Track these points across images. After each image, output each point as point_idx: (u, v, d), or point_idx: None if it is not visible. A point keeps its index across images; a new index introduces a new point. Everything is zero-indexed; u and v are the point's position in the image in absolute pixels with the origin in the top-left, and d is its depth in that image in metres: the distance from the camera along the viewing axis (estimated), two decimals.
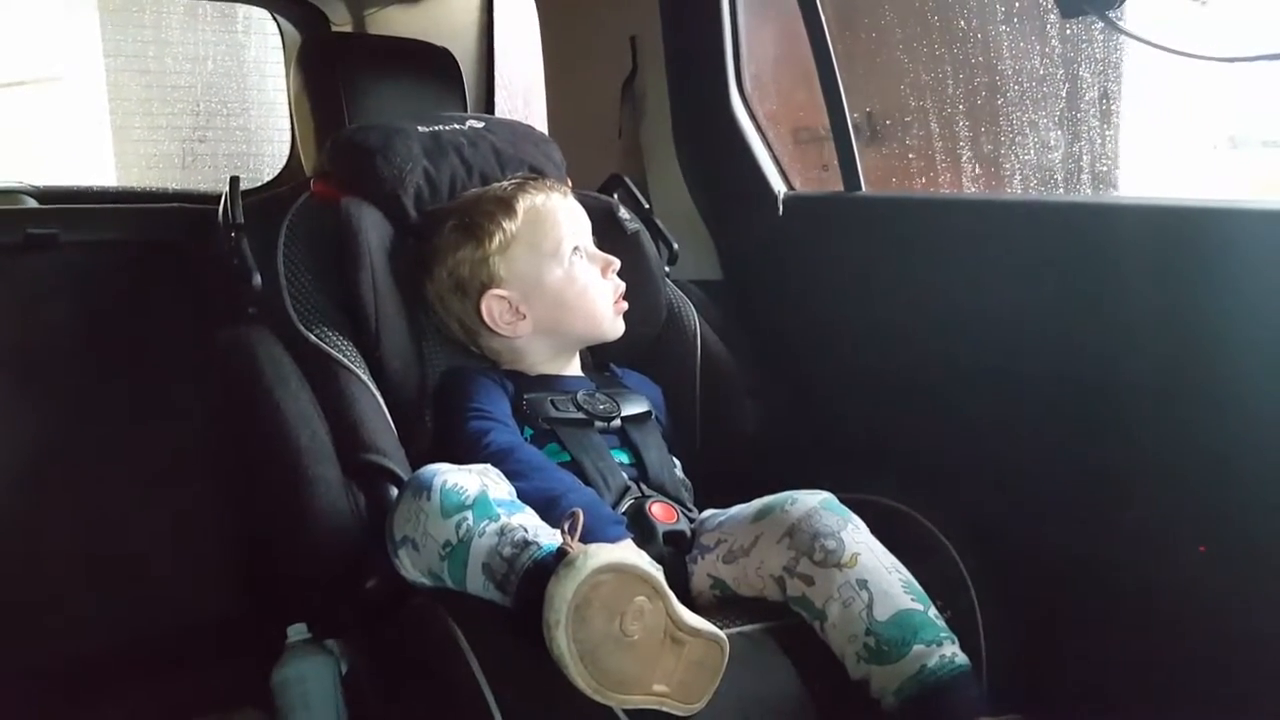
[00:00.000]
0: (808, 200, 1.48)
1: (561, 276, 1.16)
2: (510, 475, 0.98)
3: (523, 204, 1.17)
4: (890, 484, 1.10)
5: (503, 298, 1.16)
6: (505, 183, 1.21)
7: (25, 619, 1.39)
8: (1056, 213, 1.24)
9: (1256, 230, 1.02)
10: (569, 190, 1.23)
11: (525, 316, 1.16)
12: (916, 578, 0.96)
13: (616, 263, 1.19)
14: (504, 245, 1.16)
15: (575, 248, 1.17)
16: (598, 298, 1.18)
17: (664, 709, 0.83)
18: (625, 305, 1.20)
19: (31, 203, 1.67)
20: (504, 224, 1.16)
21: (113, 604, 1.44)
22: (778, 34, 1.55)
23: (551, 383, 1.18)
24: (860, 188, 1.41)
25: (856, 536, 0.97)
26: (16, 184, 1.73)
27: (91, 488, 1.45)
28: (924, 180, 1.75)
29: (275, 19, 2.09)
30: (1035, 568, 1.13)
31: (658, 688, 0.82)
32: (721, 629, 0.87)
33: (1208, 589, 1.04)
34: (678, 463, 1.19)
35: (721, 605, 1.01)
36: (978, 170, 1.74)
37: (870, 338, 1.36)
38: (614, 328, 1.20)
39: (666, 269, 1.34)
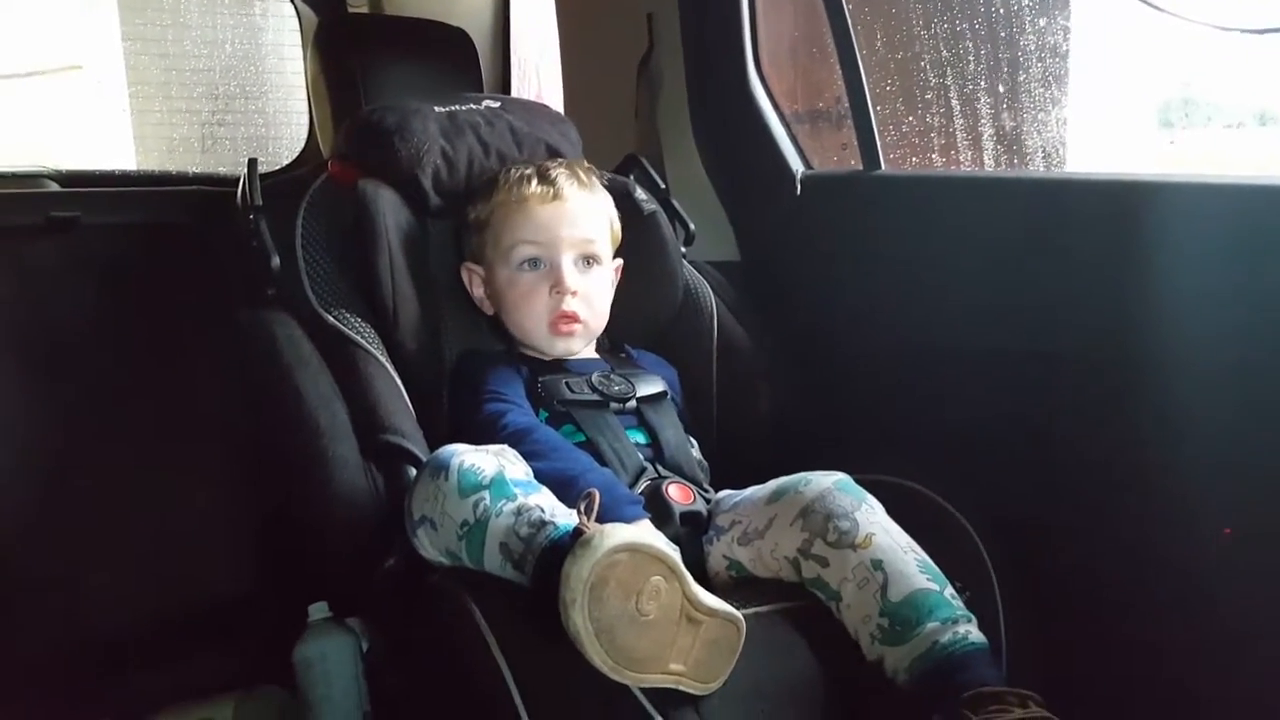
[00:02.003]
0: (826, 180, 1.46)
1: (506, 277, 1.16)
2: (527, 456, 0.98)
3: (499, 195, 1.17)
4: (908, 464, 1.09)
5: (474, 272, 1.19)
6: (523, 166, 1.20)
7: (50, 598, 1.42)
8: (1080, 190, 1.22)
9: None
10: (589, 189, 1.19)
11: (489, 298, 1.19)
12: (934, 558, 0.96)
13: (569, 287, 1.14)
14: (479, 225, 1.19)
15: (531, 258, 1.15)
16: (530, 313, 1.15)
17: (680, 688, 0.84)
18: (577, 327, 1.16)
19: (53, 186, 1.69)
20: (479, 205, 1.19)
21: (136, 583, 1.46)
22: None
23: (566, 365, 1.18)
24: (880, 166, 1.39)
25: (871, 517, 0.96)
26: (39, 168, 1.74)
27: (113, 468, 1.46)
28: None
29: (292, 1, 2.09)
30: (1055, 548, 1.12)
31: (674, 667, 0.83)
32: (738, 609, 0.87)
33: (1231, 572, 1.03)
34: (695, 443, 1.19)
35: (738, 586, 1.02)
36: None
37: (889, 318, 1.35)
38: (549, 345, 1.17)
39: (683, 250, 1.34)
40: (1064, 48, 1.67)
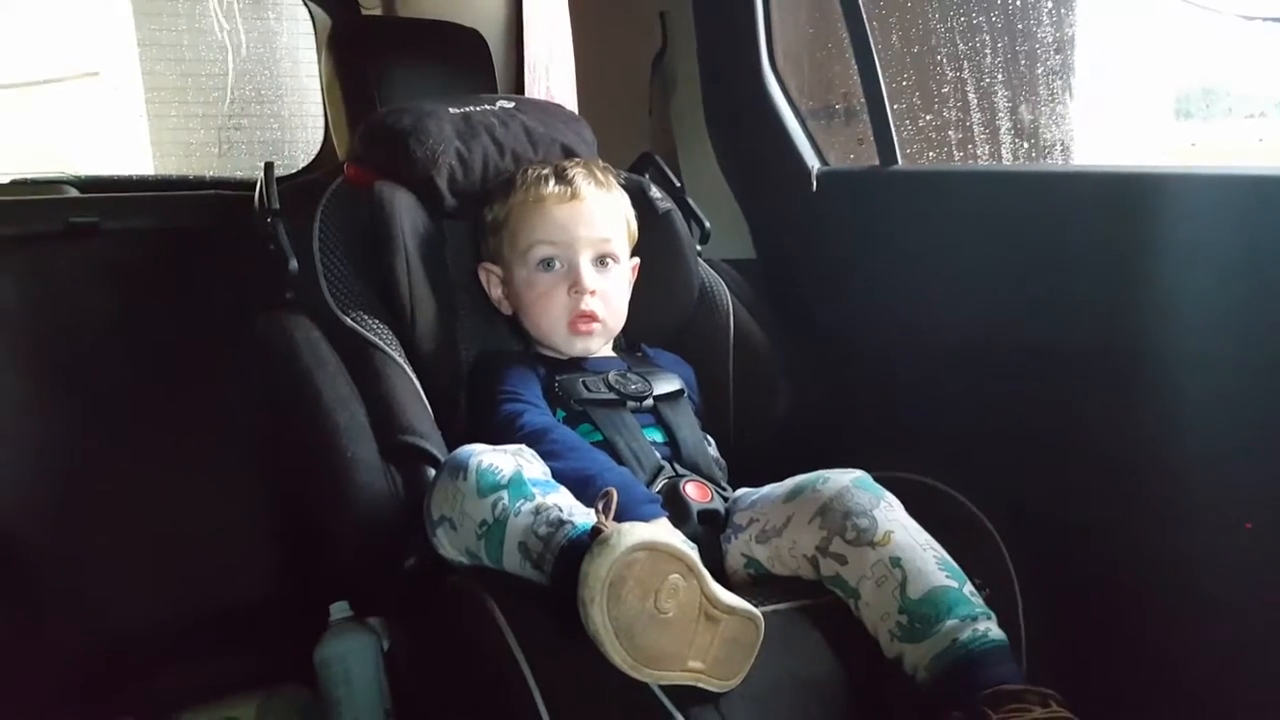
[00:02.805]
0: (842, 175, 1.46)
1: (524, 278, 1.17)
2: (545, 456, 0.98)
3: (517, 195, 1.17)
4: (926, 461, 1.09)
5: (491, 272, 1.20)
6: (540, 166, 1.20)
7: (75, 600, 1.43)
8: (1098, 184, 1.21)
9: None
10: (606, 188, 1.19)
11: (507, 298, 1.19)
12: (953, 555, 0.95)
13: (587, 286, 1.14)
14: (496, 225, 1.19)
15: (549, 258, 1.15)
16: (548, 312, 1.16)
17: (700, 685, 0.84)
18: (596, 326, 1.16)
19: (73, 192, 1.70)
20: (496, 206, 1.19)
21: (159, 584, 1.48)
22: None
23: (583, 364, 1.18)
24: (896, 161, 1.39)
25: (889, 514, 0.96)
26: (58, 175, 1.76)
27: (135, 472, 1.48)
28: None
29: (306, 4, 2.10)
30: (1074, 544, 1.12)
31: (694, 664, 0.83)
32: (756, 607, 0.87)
33: (1253, 567, 1.02)
34: (712, 441, 1.19)
35: (756, 584, 1.01)
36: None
37: (905, 314, 1.34)
38: (568, 345, 1.17)
39: (699, 248, 1.34)
40: (1076, 39, 1.66)
